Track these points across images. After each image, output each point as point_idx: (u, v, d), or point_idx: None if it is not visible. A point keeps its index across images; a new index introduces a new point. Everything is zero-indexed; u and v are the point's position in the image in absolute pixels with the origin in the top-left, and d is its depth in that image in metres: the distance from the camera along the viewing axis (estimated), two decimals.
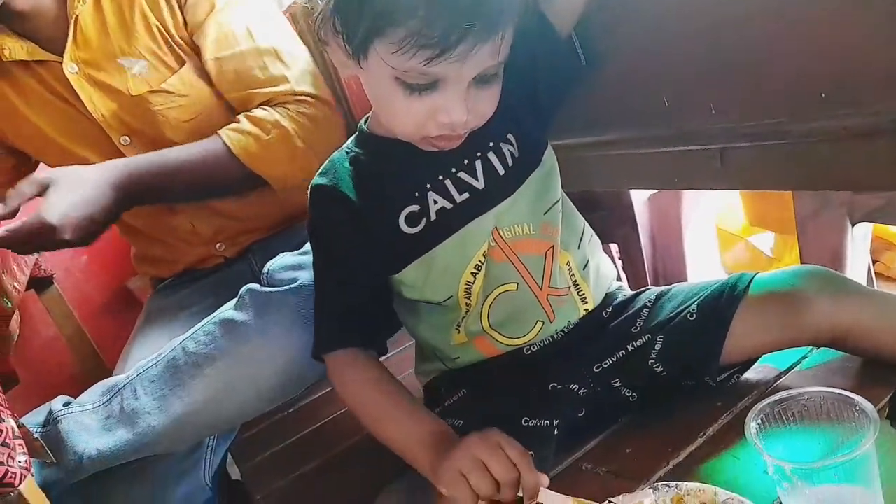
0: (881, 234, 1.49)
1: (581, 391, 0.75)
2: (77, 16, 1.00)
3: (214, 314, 0.87)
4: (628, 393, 0.75)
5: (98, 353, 1.51)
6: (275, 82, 1.04)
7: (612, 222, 1.32)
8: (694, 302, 0.73)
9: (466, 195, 0.73)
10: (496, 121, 0.69)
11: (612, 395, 0.75)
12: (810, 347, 0.74)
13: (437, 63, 0.59)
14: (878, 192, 0.99)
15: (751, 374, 0.74)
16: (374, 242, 0.74)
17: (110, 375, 0.94)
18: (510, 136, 0.75)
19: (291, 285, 0.84)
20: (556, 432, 0.72)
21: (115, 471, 0.85)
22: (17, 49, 1.01)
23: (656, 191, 1.34)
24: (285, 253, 0.92)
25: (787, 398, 0.52)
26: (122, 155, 1.09)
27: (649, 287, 0.82)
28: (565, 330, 0.77)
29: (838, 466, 0.46)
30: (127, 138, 1.09)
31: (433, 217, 0.73)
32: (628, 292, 0.83)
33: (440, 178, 0.73)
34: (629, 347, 0.75)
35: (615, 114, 0.79)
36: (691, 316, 0.73)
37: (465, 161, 0.73)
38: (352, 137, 0.79)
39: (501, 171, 0.74)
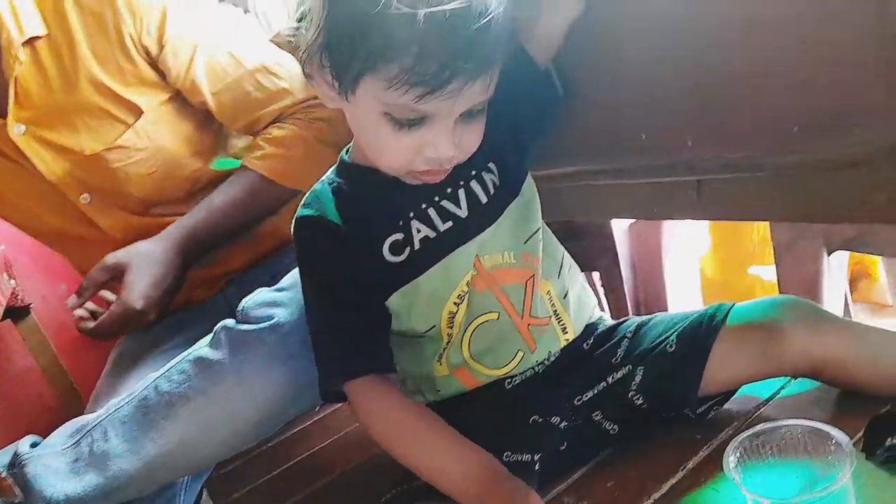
0: (858, 262, 1.51)
1: (562, 424, 0.74)
2: (16, 77, 0.98)
3: (188, 352, 0.85)
4: (609, 426, 0.75)
5: (74, 386, 1.48)
6: (277, 98, 1.04)
7: (593, 251, 1.32)
8: (673, 332, 0.74)
9: (450, 224, 0.73)
10: (478, 150, 0.69)
11: (593, 429, 0.75)
12: (788, 378, 0.74)
13: (428, 100, 0.59)
14: (851, 222, 1.01)
15: (730, 406, 0.74)
16: (362, 270, 0.73)
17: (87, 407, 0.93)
18: (491, 165, 0.75)
19: (267, 323, 0.82)
20: (537, 467, 0.71)
21: None
22: None
23: (636, 220, 1.36)
24: (262, 289, 0.90)
25: (764, 431, 0.52)
26: (84, 214, 1.07)
27: (630, 317, 0.82)
28: (546, 361, 0.77)
29: (816, 501, 0.46)
30: (87, 196, 1.07)
31: (417, 246, 0.73)
32: (609, 322, 0.83)
33: (423, 206, 0.73)
34: (610, 379, 0.75)
35: (594, 145, 0.80)
36: (670, 347, 0.73)
37: (449, 190, 0.74)
38: (332, 168, 0.79)
39: (484, 200, 0.74)
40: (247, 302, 0.86)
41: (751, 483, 0.49)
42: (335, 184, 0.76)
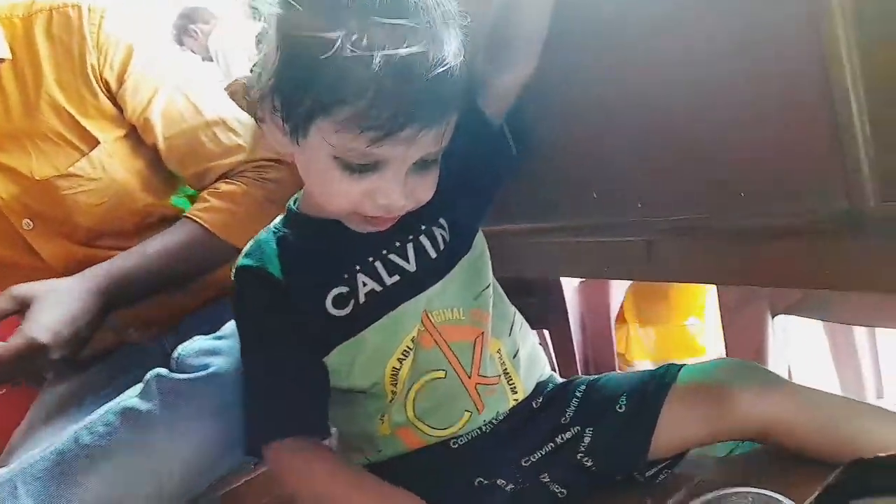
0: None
1: (508, 487, 0.72)
2: None
3: (116, 401, 0.80)
4: (557, 489, 0.73)
5: None
6: (230, 153, 1.03)
7: (542, 309, 1.32)
8: (623, 393, 0.73)
9: (397, 277, 0.72)
10: (429, 204, 0.68)
11: (540, 492, 0.73)
12: (737, 442, 0.74)
13: (381, 145, 0.58)
14: (794, 288, 1.03)
15: (678, 469, 0.73)
16: (302, 324, 0.71)
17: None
18: (442, 221, 0.75)
19: (203, 372, 0.79)
20: None
21: None
22: None
23: (586, 279, 1.36)
24: (199, 336, 0.86)
25: (714, 500, 0.51)
26: (24, 240, 1.03)
27: (579, 376, 0.81)
28: (494, 421, 0.75)
29: None
30: (29, 222, 1.03)
31: (362, 300, 0.71)
32: (559, 380, 0.82)
33: (370, 259, 0.72)
34: (559, 440, 0.73)
35: (546, 202, 0.80)
36: (620, 407, 0.72)
37: (397, 243, 0.72)
38: (279, 217, 0.77)
39: (433, 255, 0.73)
40: (183, 349, 0.82)
41: None
42: (280, 233, 0.75)
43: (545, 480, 0.73)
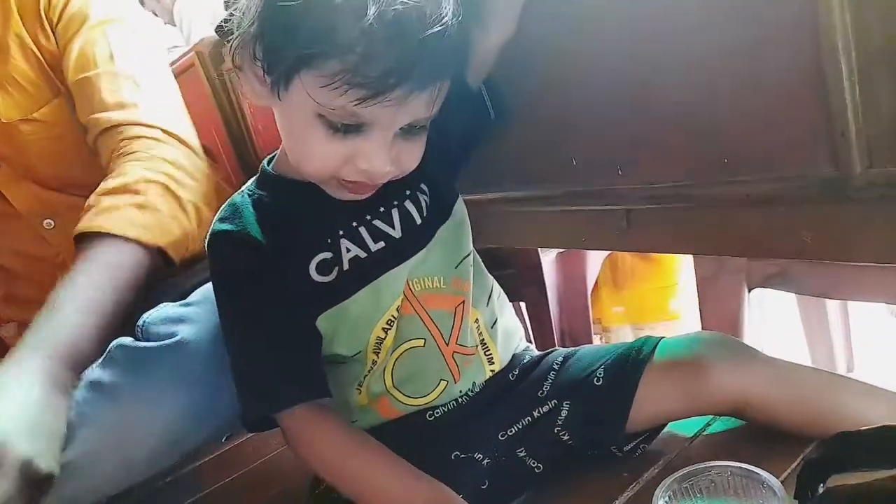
0: None
1: (485, 461, 0.71)
2: None
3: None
4: (534, 464, 0.72)
5: None
6: (122, 107, 0.93)
7: (519, 281, 1.31)
8: (601, 365, 0.72)
9: (382, 244, 0.69)
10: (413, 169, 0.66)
11: (516, 466, 0.72)
12: (714, 416, 0.73)
13: (369, 105, 0.55)
14: (773, 258, 1.02)
15: (656, 443, 0.73)
16: (287, 289, 0.68)
17: None
18: (423, 186, 0.72)
19: (170, 340, 0.76)
20: None
21: None
22: None
23: (563, 250, 1.35)
24: (166, 303, 0.83)
25: (694, 473, 0.50)
26: None
27: (556, 348, 0.80)
28: (470, 393, 0.74)
29: None
30: None
31: (346, 266, 0.68)
32: (536, 353, 0.81)
33: (354, 224, 0.69)
34: (535, 413, 0.72)
35: (525, 170, 0.78)
36: (597, 380, 0.71)
37: (382, 208, 0.69)
38: (252, 179, 0.73)
39: (418, 221, 0.71)
40: (148, 317, 0.78)
41: None
42: (256, 195, 0.71)
43: (522, 455, 0.72)
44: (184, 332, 0.76)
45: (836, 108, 0.49)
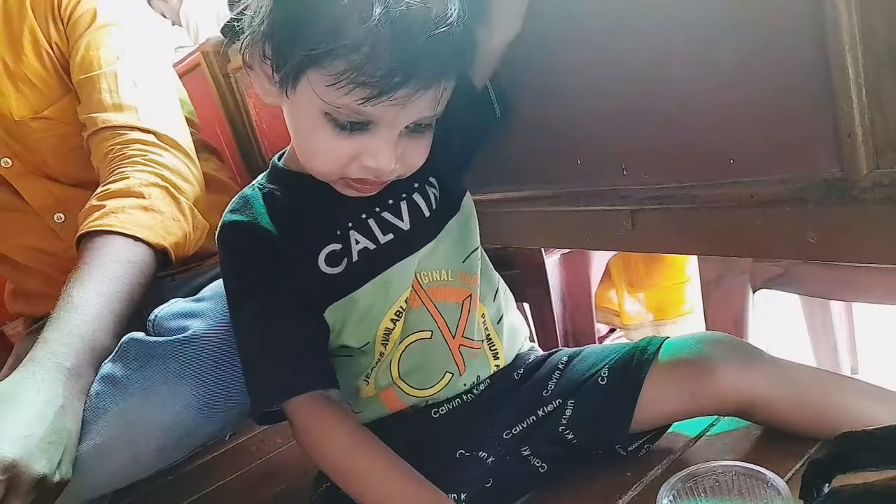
0: None
1: (490, 460, 0.71)
2: None
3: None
4: (538, 463, 0.72)
5: None
6: (120, 109, 0.94)
7: (523, 281, 1.31)
8: (605, 365, 0.72)
9: (391, 236, 0.69)
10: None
11: (521, 466, 0.72)
12: (718, 416, 0.73)
13: (374, 104, 0.55)
14: (778, 259, 1.02)
15: (660, 443, 0.73)
16: (297, 281, 0.68)
17: None
18: (432, 179, 0.73)
19: (181, 335, 0.76)
20: None
21: None
22: None
23: (568, 251, 1.35)
24: (177, 299, 0.83)
25: (698, 473, 0.50)
26: (2, 179, 1.00)
27: (561, 348, 0.81)
28: (475, 390, 0.74)
29: None
30: (8, 161, 1.00)
31: (355, 258, 0.69)
32: (540, 353, 0.81)
33: (363, 217, 0.69)
34: (540, 412, 0.73)
35: (530, 169, 0.78)
36: (602, 380, 0.71)
37: (391, 201, 0.70)
38: (262, 174, 0.74)
39: (427, 214, 0.71)
40: (160, 311, 0.79)
41: None
42: (266, 189, 0.72)
43: (526, 454, 0.72)
44: (195, 326, 0.76)
45: (843, 109, 0.49)
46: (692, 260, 1.51)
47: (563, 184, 0.74)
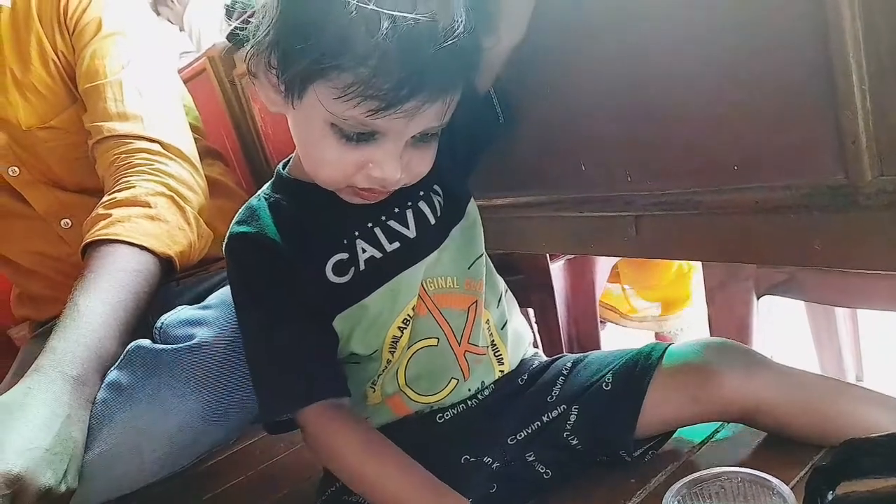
0: None
1: (494, 465, 0.71)
2: None
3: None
4: (542, 469, 0.72)
5: None
6: (125, 118, 0.95)
7: (528, 287, 1.31)
8: (609, 370, 0.72)
9: (397, 244, 0.70)
10: None
11: (525, 471, 0.72)
12: (722, 422, 0.73)
13: (381, 116, 0.55)
14: (782, 265, 1.02)
15: (664, 449, 0.72)
16: (305, 290, 0.68)
17: None
18: (436, 187, 0.73)
19: (187, 343, 0.76)
20: None
21: None
22: None
23: (572, 256, 1.35)
24: (184, 306, 0.84)
25: (703, 479, 0.50)
26: (10, 187, 1.01)
27: (565, 354, 0.81)
28: (479, 396, 0.74)
29: None
30: (16, 169, 1.01)
31: (362, 267, 0.69)
32: (544, 358, 0.81)
33: (369, 225, 0.70)
34: (545, 418, 0.73)
35: (534, 175, 0.78)
36: (606, 385, 0.71)
37: (396, 209, 0.70)
38: (268, 183, 0.74)
39: (432, 221, 0.71)
40: (166, 319, 0.80)
41: None
42: (272, 199, 0.72)
43: (531, 459, 0.72)
44: (201, 334, 0.77)
45: (847, 116, 0.49)
46: None
47: (566, 190, 0.74)
